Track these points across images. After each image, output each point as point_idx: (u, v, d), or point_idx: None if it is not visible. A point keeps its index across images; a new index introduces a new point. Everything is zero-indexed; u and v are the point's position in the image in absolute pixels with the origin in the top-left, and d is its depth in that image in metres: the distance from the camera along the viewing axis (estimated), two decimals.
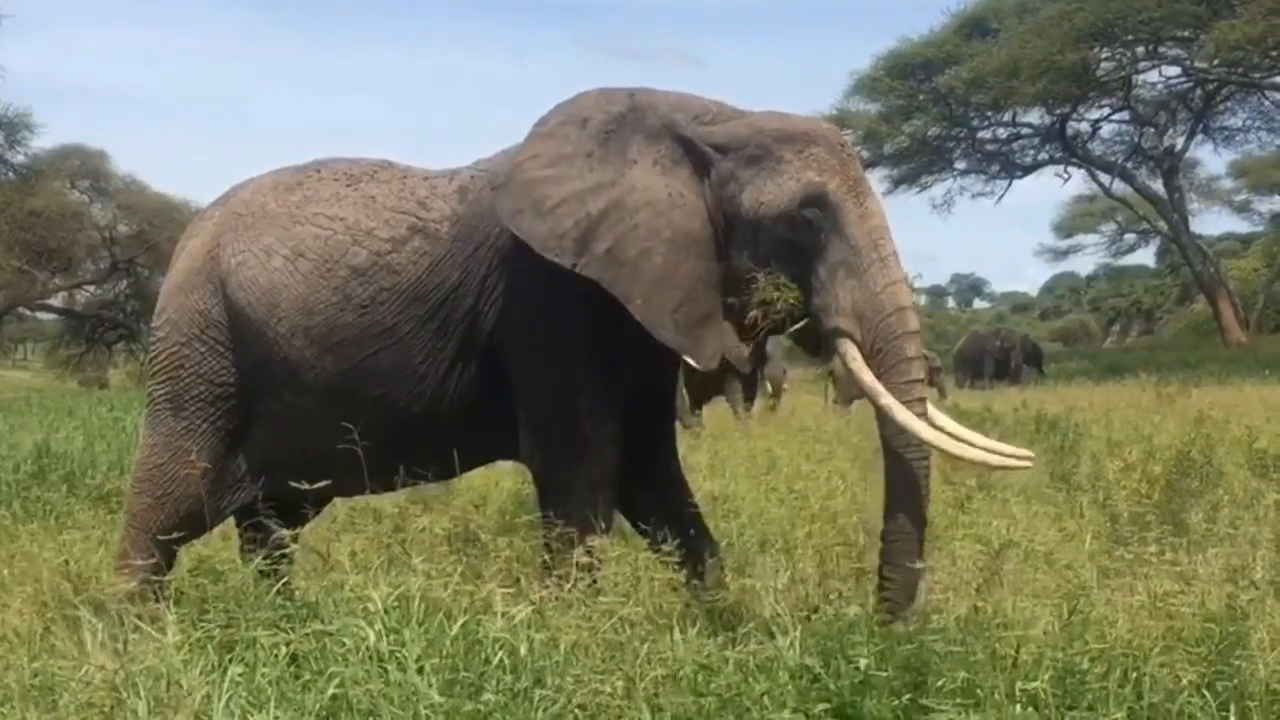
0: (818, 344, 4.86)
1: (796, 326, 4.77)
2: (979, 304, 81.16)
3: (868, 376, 4.58)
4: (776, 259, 4.73)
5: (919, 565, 4.49)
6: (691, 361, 4.88)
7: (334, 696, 3.54)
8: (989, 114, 39.28)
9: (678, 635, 3.93)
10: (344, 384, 5.03)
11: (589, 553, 4.41)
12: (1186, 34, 34.52)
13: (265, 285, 5.11)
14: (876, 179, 36.77)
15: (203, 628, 4.11)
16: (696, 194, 4.87)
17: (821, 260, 4.68)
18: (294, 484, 4.82)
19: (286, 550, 4.54)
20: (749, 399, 15.92)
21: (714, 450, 10.83)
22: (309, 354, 5.04)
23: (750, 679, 3.71)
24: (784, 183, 4.74)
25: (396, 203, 5.11)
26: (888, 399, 4.52)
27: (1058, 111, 38.67)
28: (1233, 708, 3.59)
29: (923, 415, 4.57)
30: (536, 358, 4.93)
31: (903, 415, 4.51)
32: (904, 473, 4.59)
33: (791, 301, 4.70)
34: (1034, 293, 75.41)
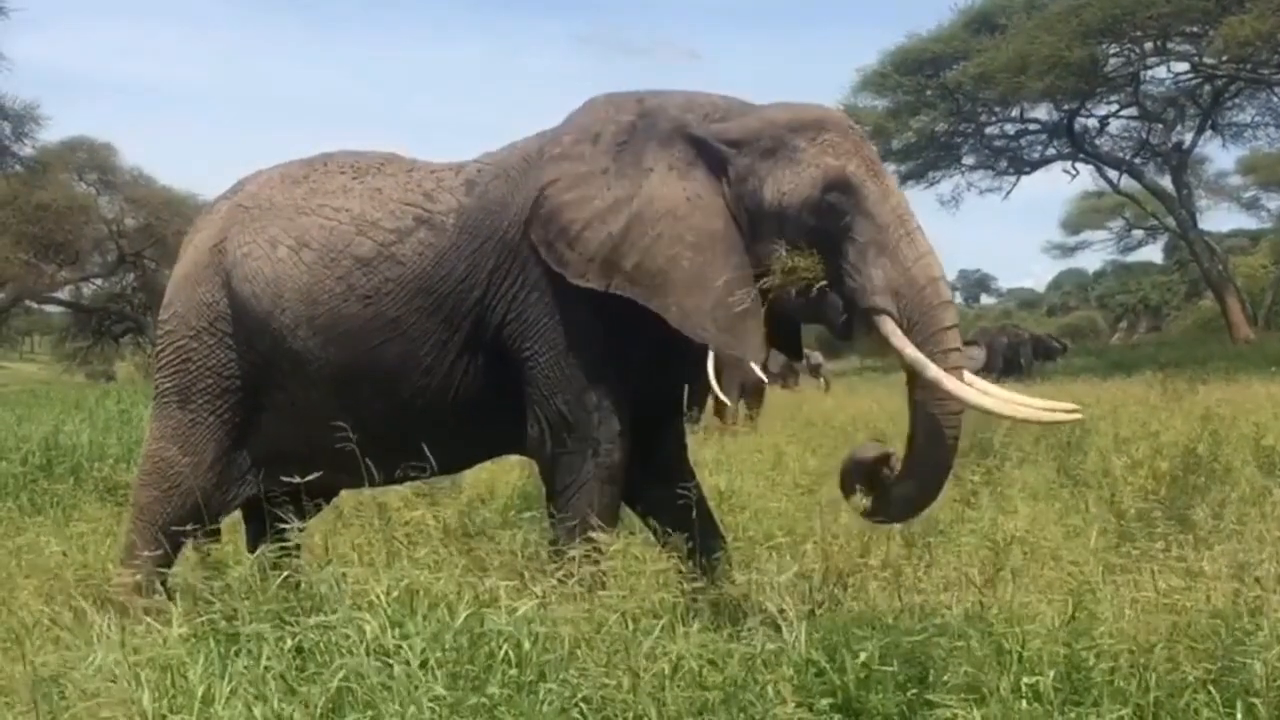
0: (847, 326, 4.82)
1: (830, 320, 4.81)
2: (986, 300, 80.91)
3: (911, 350, 4.60)
4: (802, 247, 4.72)
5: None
6: (741, 358, 4.87)
7: (338, 689, 3.55)
8: (997, 110, 39.20)
9: (683, 629, 3.93)
10: (348, 375, 5.03)
11: (593, 546, 4.41)
12: (1195, 30, 34.40)
13: (270, 276, 5.11)
14: None
15: (207, 620, 4.12)
16: (715, 193, 4.88)
17: (850, 242, 4.70)
18: (300, 477, 4.82)
19: (292, 543, 4.55)
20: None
21: (720, 445, 10.82)
22: (313, 345, 5.04)
23: (755, 673, 3.71)
24: (803, 170, 4.76)
25: (402, 194, 5.11)
26: (935, 370, 4.55)
27: (1066, 107, 38.54)
28: (1238, 704, 3.58)
29: (965, 377, 4.66)
30: (545, 353, 4.93)
31: (951, 384, 4.56)
32: (933, 428, 4.65)
33: (815, 269, 4.70)
34: (1041, 289, 75.12)
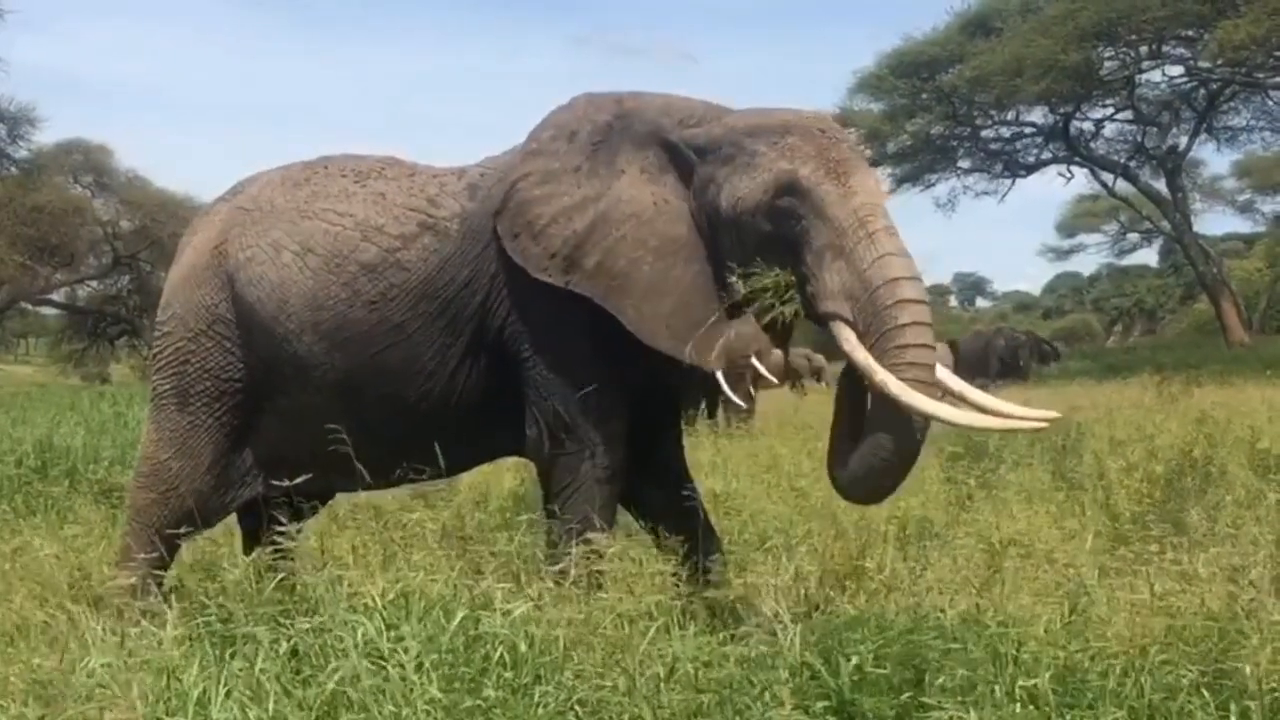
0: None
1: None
2: (982, 303, 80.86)
3: (861, 355, 4.40)
4: (764, 255, 4.63)
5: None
6: (697, 365, 4.83)
7: (333, 692, 3.54)
8: (992, 113, 39.18)
9: (679, 631, 3.93)
10: (352, 381, 5.04)
11: (590, 548, 4.41)
12: (1190, 33, 34.43)
13: (274, 280, 5.11)
14: (880, 178, 36.66)
15: (203, 622, 4.12)
16: (682, 199, 4.85)
17: (807, 247, 4.56)
18: (299, 480, 4.82)
19: (288, 546, 4.55)
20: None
21: (716, 448, 10.83)
22: (317, 350, 5.05)
23: (750, 675, 3.71)
24: (757, 176, 4.66)
25: (406, 199, 5.11)
26: (882, 374, 4.32)
27: (1061, 111, 38.56)
28: (1232, 706, 3.58)
29: (924, 384, 4.36)
30: (544, 355, 4.93)
31: (897, 389, 4.29)
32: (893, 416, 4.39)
33: (780, 286, 4.59)
34: (1037, 292, 75.17)
